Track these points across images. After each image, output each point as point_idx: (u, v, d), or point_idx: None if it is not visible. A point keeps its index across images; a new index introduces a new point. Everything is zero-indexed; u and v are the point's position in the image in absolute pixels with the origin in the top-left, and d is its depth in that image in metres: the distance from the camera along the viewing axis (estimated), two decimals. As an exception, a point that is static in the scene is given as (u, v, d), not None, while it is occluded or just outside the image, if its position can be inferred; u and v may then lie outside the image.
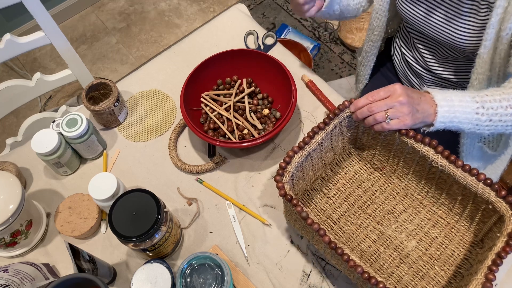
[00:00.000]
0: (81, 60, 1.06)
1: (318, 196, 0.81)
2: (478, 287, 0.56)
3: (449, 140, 0.86)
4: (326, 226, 0.77)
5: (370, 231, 0.77)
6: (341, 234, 0.77)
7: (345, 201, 0.80)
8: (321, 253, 0.77)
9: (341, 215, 0.78)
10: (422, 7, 0.82)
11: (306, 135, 0.70)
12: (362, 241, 0.76)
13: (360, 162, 0.84)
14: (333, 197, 0.80)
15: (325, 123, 0.71)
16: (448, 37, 0.80)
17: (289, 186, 0.67)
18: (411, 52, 0.96)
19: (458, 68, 0.88)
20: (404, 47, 0.98)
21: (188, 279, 0.67)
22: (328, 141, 0.75)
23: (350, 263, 0.59)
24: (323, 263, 0.76)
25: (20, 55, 0.98)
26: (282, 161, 0.68)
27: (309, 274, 0.76)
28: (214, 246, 0.78)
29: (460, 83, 0.91)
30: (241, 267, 0.77)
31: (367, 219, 0.78)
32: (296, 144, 0.69)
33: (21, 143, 1.06)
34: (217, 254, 0.74)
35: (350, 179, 0.82)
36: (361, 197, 0.80)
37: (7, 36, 0.91)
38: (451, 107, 0.66)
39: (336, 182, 0.82)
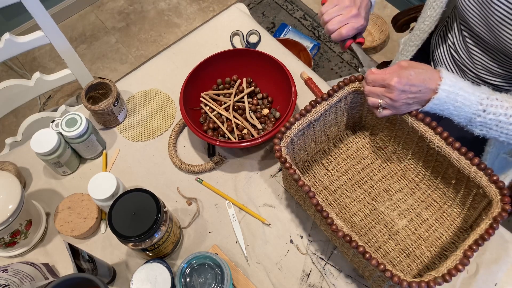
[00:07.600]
0: (80, 60, 1.06)
1: (318, 167, 0.82)
2: (456, 262, 0.57)
3: (474, 148, 0.82)
4: (321, 196, 0.78)
5: (364, 205, 0.78)
6: (335, 205, 0.78)
7: (343, 175, 0.81)
8: (320, 252, 0.77)
9: (338, 187, 0.80)
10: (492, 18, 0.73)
11: (308, 104, 0.71)
12: (355, 214, 0.77)
13: (363, 140, 0.85)
14: (332, 170, 0.81)
15: (329, 94, 0.72)
16: None
17: (286, 150, 0.68)
18: (459, 47, 0.88)
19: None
20: (451, 37, 0.90)
21: (188, 279, 0.67)
22: (332, 115, 0.76)
23: (332, 227, 0.60)
24: (322, 263, 0.76)
25: (19, 55, 0.97)
26: (283, 126, 0.69)
27: (309, 274, 0.75)
28: (213, 245, 0.78)
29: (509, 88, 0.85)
30: (241, 266, 0.77)
31: (362, 194, 0.79)
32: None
33: (20, 143, 1.06)
34: (216, 253, 0.74)
35: (351, 155, 0.83)
36: (359, 173, 0.81)
37: (6, 35, 0.91)
38: (457, 82, 0.65)
39: (337, 157, 0.83)
